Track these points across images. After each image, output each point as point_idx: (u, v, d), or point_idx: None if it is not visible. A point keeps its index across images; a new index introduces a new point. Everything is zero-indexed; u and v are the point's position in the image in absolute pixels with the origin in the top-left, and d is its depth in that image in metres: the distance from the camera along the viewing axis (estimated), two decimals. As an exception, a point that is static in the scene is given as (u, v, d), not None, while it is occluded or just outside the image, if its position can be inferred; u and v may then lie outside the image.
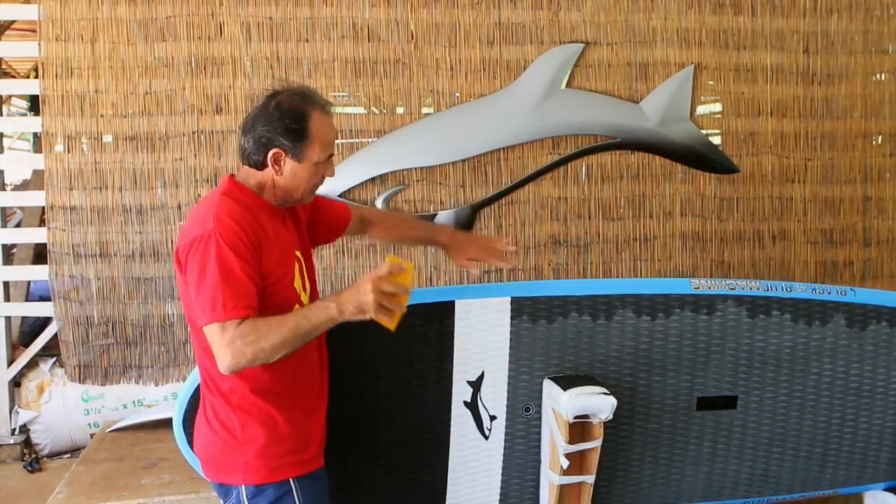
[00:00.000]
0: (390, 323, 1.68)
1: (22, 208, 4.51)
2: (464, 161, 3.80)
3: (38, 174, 4.08)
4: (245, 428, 1.74)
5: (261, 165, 1.79)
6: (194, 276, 1.65)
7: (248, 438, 1.74)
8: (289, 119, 1.76)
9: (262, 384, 1.74)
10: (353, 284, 1.71)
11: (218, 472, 1.79)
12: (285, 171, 1.79)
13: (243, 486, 1.74)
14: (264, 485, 1.74)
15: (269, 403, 1.75)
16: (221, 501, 1.82)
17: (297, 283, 1.81)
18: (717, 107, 4.07)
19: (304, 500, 1.77)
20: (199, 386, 2.10)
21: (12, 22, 3.88)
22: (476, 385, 2.24)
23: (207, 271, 1.63)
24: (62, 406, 3.75)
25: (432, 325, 2.17)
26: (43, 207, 3.77)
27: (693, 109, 3.97)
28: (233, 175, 1.84)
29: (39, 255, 4.07)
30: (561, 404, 2.12)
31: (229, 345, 1.59)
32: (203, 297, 1.62)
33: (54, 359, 3.82)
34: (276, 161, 1.77)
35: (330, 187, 3.66)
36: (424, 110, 3.81)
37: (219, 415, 1.76)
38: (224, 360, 1.61)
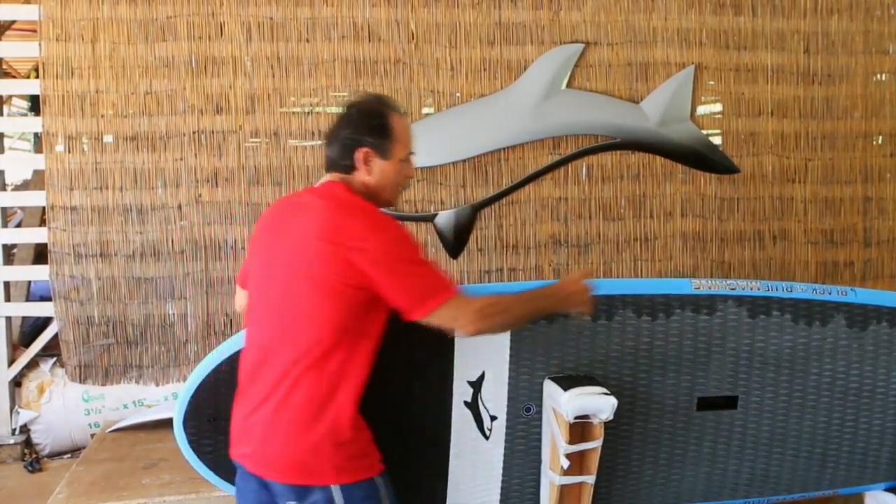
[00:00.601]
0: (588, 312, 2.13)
1: (22, 208, 4.52)
2: (464, 161, 3.80)
3: (38, 174, 4.08)
4: (347, 430, 1.77)
5: (350, 169, 1.88)
6: (395, 275, 1.76)
7: (350, 440, 1.78)
8: (371, 118, 1.88)
9: (361, 386, 1.81)
10: (568, 282, 2.05)
11: (305, 474, 1.77)
12: (374, 170, 1.88)
13: (334, 486, 1.75)
14: (357, 482, 1.78)
15: (359, 405, 1.81)
16: (291, 499, 1.78)
17: None
18: (718, 107, 4.07)
19: (388, 493, 1.84)
20: (200, 386, 2.12)
21: (13, 22, 3.87)
22: (476, 385, 2.24)
23: (413, 263, 1.79)
24: (62, 406, 3.75)
25: (433, 325, 2.17)
26: (43, 207, 3.77)
27: (693, 109, 3.97)
28: (336, 181, 1.90)
29: (40, 255, 4.07)
30: (561, 404, 2.12)
31: (479, 311, 1.81)
32: (421, 284, 1.78)
33: (55, 359, 3.82)
34: (366, 161, 1.87)
35: (330, 187, 3.67)
36: (425, 110, 3.82)
37: (320, 417, 1.76)
38: (468, 329, 1.81)
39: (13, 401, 3.76)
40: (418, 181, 3.77)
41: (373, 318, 1.82)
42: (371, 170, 1.88)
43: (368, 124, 1.87)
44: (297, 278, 1.78)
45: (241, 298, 2.12)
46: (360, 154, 1.86)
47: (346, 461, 1.77)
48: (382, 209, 1.91)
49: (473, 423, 2.26)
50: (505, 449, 2.29)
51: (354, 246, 1.73)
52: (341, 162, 1.88)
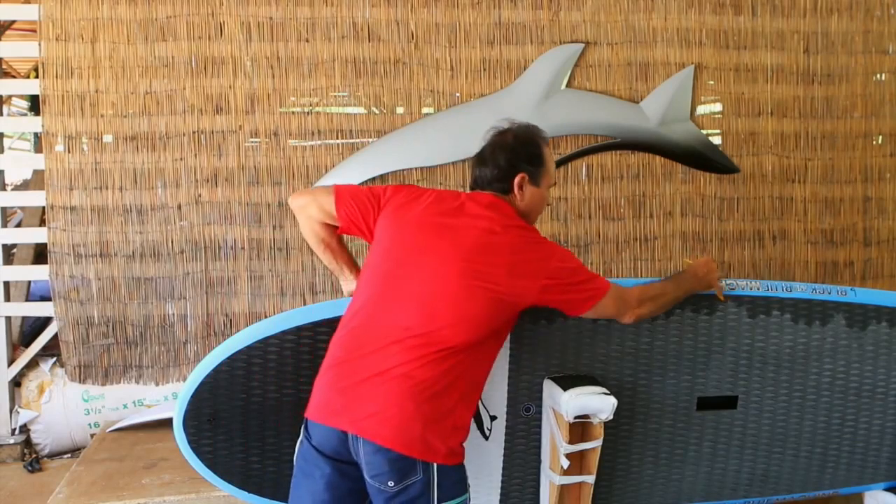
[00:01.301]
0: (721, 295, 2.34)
1: (22, 208, 4.51)
2: (464, 161, 3.80)
3: (38, 174, 4.08)
4: (467, 416, 1.91)
5: (507, 192, 2.03)
6: (569, 286, 1.96)
7: (465, 426, 1.90)
8: (531, 146, 2.06)
9: (486, 376, 1.97)
10: (700, 266, 2.27)
11: (422, 447, 1.80)
12: (526, 195, 2.04)
13: (439, 465, 1.82)
14: (455, 465, 1.87)
15: (478, 394, 1.98)
16: (392, 477, 1.79)
17: None
18: (718, 107, 4.07)
19: (469, 481, 1.94)
20: (201, 385, 2.12)
21: (12, 22, 3.87)
22: (476, 385, 2.23)
23: (576, 272, 1.98)
24: (62, 406, 3.75)
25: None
26: (43, 207, 3.77)
27: (693, 109, 3.97)
28: (501, 199, 2.03)
29: (40, 254, 4.07)
30: (561, 404, 2.12)
31: (640, 298, 2.09)
32: (582, 289, 1.98)
33: (54, 359, 3.82)
34: (521, 186, 2.02)
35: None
36: (425, 110, 3.81)
37: (448, 399, 1.84)
38: (632, 314, 2.08)
39: (13, 401, 3.76)
40: (418, 181, 3.76)
41: (512, 322, 1.99)
42: (524, 195, 2.03)
43: (526, 151, 2.04)
44: (463, 279, 1.87)
45: (317, 210, 2.06)
46: (517, 179, 2.01)
47: (458, 445, 1.87)
48: None
49: (473, 423, 2.26)
50: (505, 449, 2.29)
51: (535, 266, 1.92)
52: (497, 183, 2.03)
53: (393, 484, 1.78)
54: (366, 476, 1.81)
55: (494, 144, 2.08)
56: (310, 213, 2.08)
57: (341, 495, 1.86)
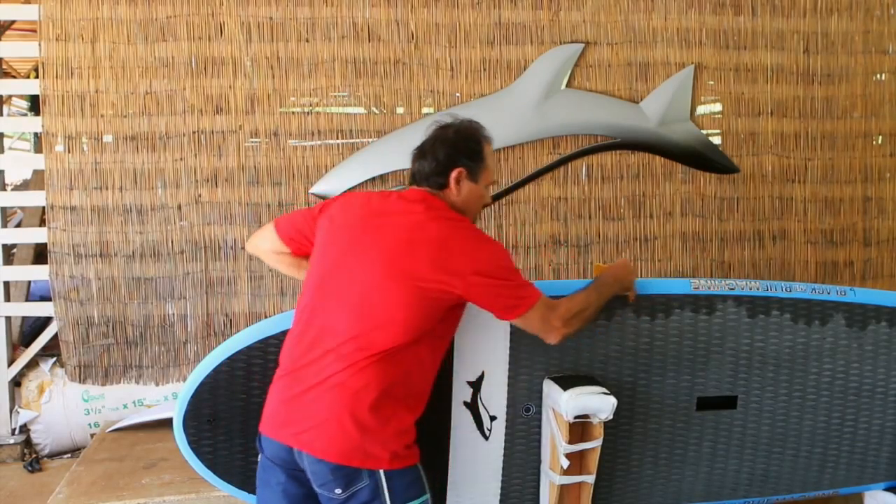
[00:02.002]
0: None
1: (22, 208, 4.52)
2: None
3: (38, 174, 4.08)
4: (408, 420, 1.87)
5: (442, 186, 2.00)
6: (493, 286, 1.88)
7: (409, 429, 1.87)
8: (471, 142, 2.03)
9: (428, 381, 1.93)
10: (619, 268, 2.20)
11: (362, 456, 1.80)
12: (463, 191, 2.01)
13: (385, 471, 1.80)
14: (405, 468, 1.85)
15: (422, 397, 1.93)
16: (338, 485, 1.80)
17: None
18: (718, 107, 4.07)
19: (427, 482, 1.91)
20: (200, 387, 2.12)
21: (12, 22, 3.87)
22: (476, 385, 2.24)
23: (506, 275, 1.91)
24: (62, 406, 3.75)
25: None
26: (43, 207, 3.77)
27: (693, 109, 3.97)
28: (429, 193, 1.99)
29: (40, 255, 4.07)
30: (561, 404, 2.12)
31: (565, 315, 1.97)
32: (508, 296, 1.91)
33: (54, 359, 3.82)
34: (457, 180, 1.99)
35: (330, 188, 3.67)
36: (425, 110, 3.81)
37: (380, 404, 1.81)
38: (555, 330, 1.97)
39: (13, 401, 3.76)
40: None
41: (449, 321, 1.94)
42: (461, 190, 2.00)
43: (467, 147, 2.01)
44: (388, 278, 1.84)
45: (267, 243, 2.15)
46: (455, 173, 1.98)
47: (402, 448, 1.84)
48: None
49: (473, 424, 2.26)
50: (504, 449, 2.29)
51: (460, 259, 1.85)
52: (435, 178, 1.99)
53: (340, 491, 1.79)
54: (314, 486, 1.83)
55: (435, 138, 2.03)
56: (263, 249, 2.18)
57: (298, 502, 1.88)
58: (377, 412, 1.80)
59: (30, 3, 3.69)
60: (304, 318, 1.92)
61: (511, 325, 2.22)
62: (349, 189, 3.67)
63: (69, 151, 3.62)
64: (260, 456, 1.95)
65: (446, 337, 1.98)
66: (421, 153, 2.03)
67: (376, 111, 3.80)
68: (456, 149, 2.00)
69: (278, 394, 1.90)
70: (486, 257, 1.89)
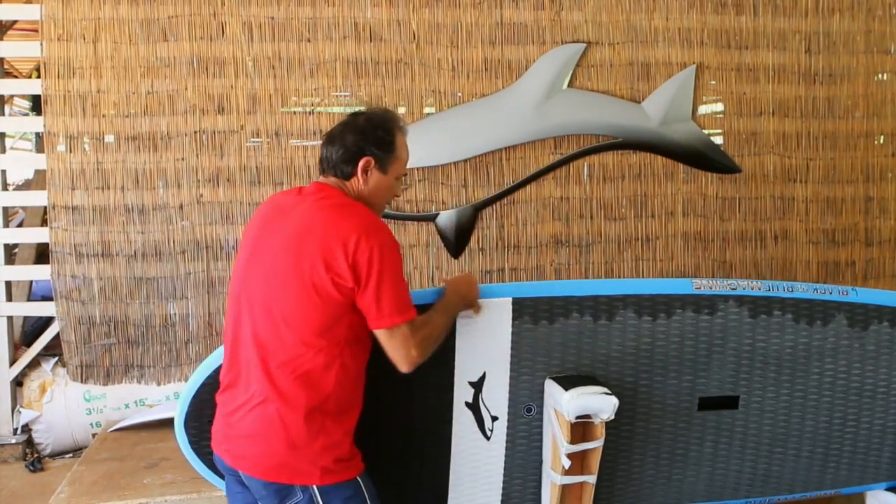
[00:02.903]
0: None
1: (24, 208, 4.52)
2: (466, 161, 3.80)
3: (40, 174, 4.09)
4: (335, 433, 1.79)
5: (349, 175, 1.90)
6: (377, 281, 1.75)
7: (337, 442, 1.80)
8: (380, 131, 1.91)
9: (351, 389, 1.83)
10: (462, 283, 2.08)
11: (290, 473, 1.77)
12: (371, 181, 1.91)
13: (317, 487, 1.77)
14: (341, 483, 1.80)
15: (351, 409, 1.85)
16: (272, 500, 1.80)
17: None
18: (719, 106, 4.07)
19: (370, 492, 1.86)
20: (201, 387, 2.11)
21: (14, 22, 3.88)
22: (478, 386, 2.24)
23: (392, 274, 1.77)
24: (64, 406, 3.75)
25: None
26: (45, 207, 3.78)
27: (695, 109, 3.97)
28: (329, 185, 1.91)
29: (41, 254, 4.07)
30: (562, 404, 2.12)
31: (422, 342, 1.83)
32: (389, 299, 1.76)
33: (56, 358, 3.82)
34: (365, 170, 1.90)
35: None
36: (426, 110, 3.82)
37: (305, 419, 1.76)
38: (411, 357, 1.81)
39: (15, 400, 3.76)
40: (419, 181, 3.77)
41: (358, 322, 1.82)
42: (368, 180, 1.91)
43: (375, 135, 1.90)
44: (285, 281, 1.77)
45: None
46: (363, 162, 1.89)
47: (332, 463, 1.78)
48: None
49: (475, 424, 2.26)
50: (506, 449, 2.29)
51: (346, 245, 1.74)
52: (342, 166, 1.90)
53: None
54: (256, 499, 1.84)
55: (345, 124, 1.93)
56: None
57: None
58: (301, 427, 1.75)
59: (31, 2, 3.69)
60: (228, 332, 1.89)
61: (513, 325, 2.22)
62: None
63: (71, 151, 3.62)
64: None
65: (364, 341, 1.86)
66: (329, 139, 1.93)
67: (377, 111, 3.79)
68: (365, 137, 1.89)
69: (219, 409, 1.90)
70: (368, 245, 1.75)
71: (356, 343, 1.84)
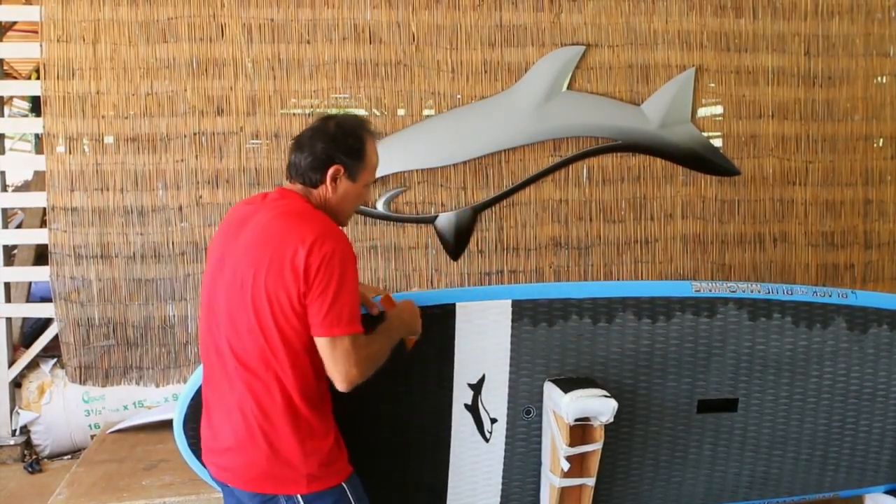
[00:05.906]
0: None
1: (23, 209, 4.52)
2: (465, 163, 3.80)
3: (39, 175, 4.08)
4: (312, 439, 1.76)
5: (317, 183, 1.85)
6: (326, 288, 1.69)
7: (314, 450, 1.76)
8: (351, 138, 1.86)
9: (323, 393, 1.80)
10: (406, 311, 2.01)
11: (274, 483, 1.75)
12: (339, 190, 1.86)
13: (303, 495, 1.75)
14: (326, 490, 1.77)
15: (327, 414, 1.82)
16: None
17: None
18: (719, 109, 4.07)
19: (357, 496, 1.82)
20: (200, 388, 2.11)
21: (14, 23, 3.88)
22: (477, 388, 2.24)
23: (343, 284, 1.70)
24: (63, 407, 3.75)
25: (433, 327, 2.17)
26: (44, 208, 3.78)
27: (694, 112, 3.97)
28: (294, 191, 1.86)
29: (40, 256, 4.07)
30: (561, 407, 2.12)
31: (364, 360, 1.73)
32: (338, 309, 1.69)
33: (55, 360, 3.82)
34: (334, 178, 1.85)
35: (331, 189, 3.67)
36: (425, 112, 3.82)
37: (284, 428, 1.74)
38: (350, 375, 1.71)
39: (13, 402, 3.76)
40: (419, 183, 3.77)
41: None
42: (337, 188, 1.86)
43: (346, 143, 1.85)
44: (245, 289, 1.74)
45: None
46: (332, 171, 1.84)
47: (317, 469, 1.76)
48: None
49: (474, 426, 2.26)
50: (505, 451, 2.29)
51: (299, 249, 1.69)
52: (310, 174, 1.85)
53: None
54: None
55: (315, 130, 1.87)
56: None
57: None
58: (278, 438, 1.73)
59: (31, 4, 3.69)
60: (202, 345, 1.88)
61: (512, 328, 2.22)
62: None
63: (70, 152, 3.62)
64: None
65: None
66: (298, 145, 1.88)
67: (377, 113, 3.80)
68: (335, 145, 1.84)
69: (203, 420, 1.90)
70: (333, 247, 1.71)
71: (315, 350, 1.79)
